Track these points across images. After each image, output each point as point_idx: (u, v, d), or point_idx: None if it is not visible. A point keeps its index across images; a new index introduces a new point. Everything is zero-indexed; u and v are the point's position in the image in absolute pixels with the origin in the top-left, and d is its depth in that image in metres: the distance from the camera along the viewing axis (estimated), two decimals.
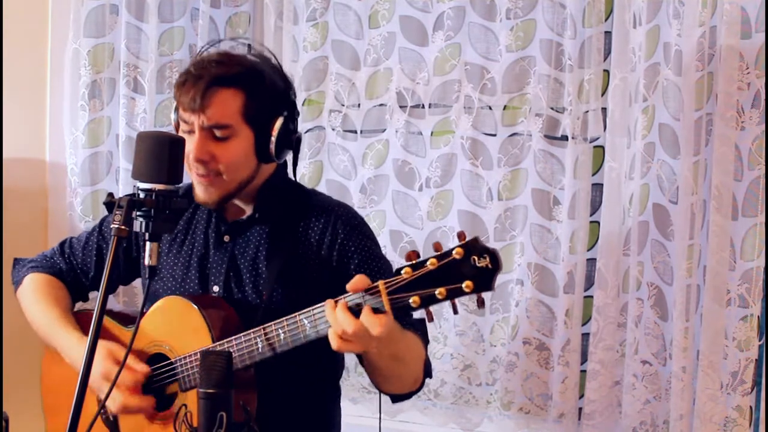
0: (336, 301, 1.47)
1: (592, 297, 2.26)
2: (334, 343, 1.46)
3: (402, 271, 1.39)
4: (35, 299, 1.92)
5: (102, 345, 1.74)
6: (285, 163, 1.82)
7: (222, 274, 1.80)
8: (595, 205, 2.30)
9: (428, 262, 1.37)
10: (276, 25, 2.55)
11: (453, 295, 1.36)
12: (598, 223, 2.26)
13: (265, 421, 1.60)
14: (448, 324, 2.41)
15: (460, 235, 1.36)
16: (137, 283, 2.08)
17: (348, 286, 1.45)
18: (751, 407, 2.06)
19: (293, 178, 1.87)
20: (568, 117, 2.26)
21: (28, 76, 2.63)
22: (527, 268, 2.32)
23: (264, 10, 2.56)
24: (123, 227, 1.41)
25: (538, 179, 2.32)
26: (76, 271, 1.98)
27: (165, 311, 1.77)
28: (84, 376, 1.37)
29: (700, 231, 2.08)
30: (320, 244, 1.76)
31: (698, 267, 2.08)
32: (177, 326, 1.73)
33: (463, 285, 1.34)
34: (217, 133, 1.67)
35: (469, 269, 1.34)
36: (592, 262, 2.28)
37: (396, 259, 2.44)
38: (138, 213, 1.45)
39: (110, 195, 1.49)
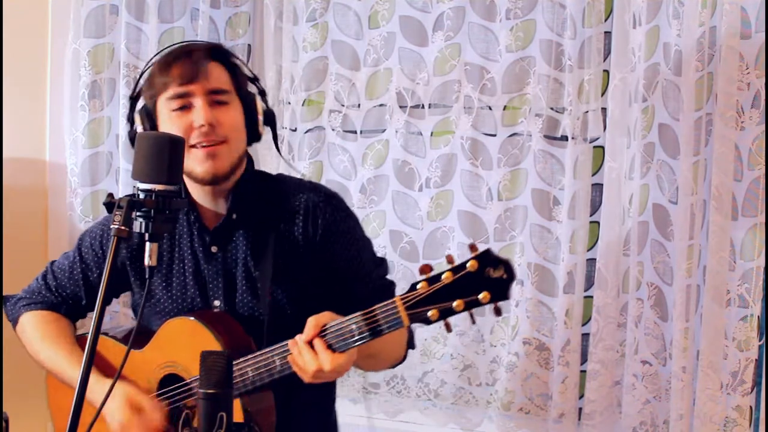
0: (323, 337, 1.54)
1: (592, 297, 2.26)
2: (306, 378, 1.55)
3: (418, 286, 1.44)
4: (39, 341, 1.90)
5: (120, 390, 1.74)
6: (251, 158, 1.83)
7: (220, 288, 1.79)
8: (595, 205, 2.30)
9: (443, 276, 1.42)
10: (276, 25, 2.54)
11: (470, 306, 1.42)
12: (598, 223, 2.26)
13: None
14: None
15: (472, 247, 1.41)
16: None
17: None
18: (751, 407, 2.06)
19: (278, 152, 1.92)
20: (567, 117, 2.26)
21: (28, 77, 2.62)
22: (527, 268, 2.32)
23: (264, 10, 2.56)
24: (123, 228, 1.41)
25: (538, 179, 2.31)
26: (68, 302, 1.95)
27: (172, 333, 1.77)
28: (81, 389, 1.35)
29: (700, 231, 2.08)
30: (305, 237, 1.77)
31: (698, 267, 2.08)
32: (188, 346, 1.72)
33: (480, 296, 1.41)
34: (218, 98, 1.72)
35: (485, 280, 1.41)
36: (592, 262, 2.28)
37: (396, 260, 2.44)
38: (138, 213, 1.44)
39: (110, 195, 1.48)
